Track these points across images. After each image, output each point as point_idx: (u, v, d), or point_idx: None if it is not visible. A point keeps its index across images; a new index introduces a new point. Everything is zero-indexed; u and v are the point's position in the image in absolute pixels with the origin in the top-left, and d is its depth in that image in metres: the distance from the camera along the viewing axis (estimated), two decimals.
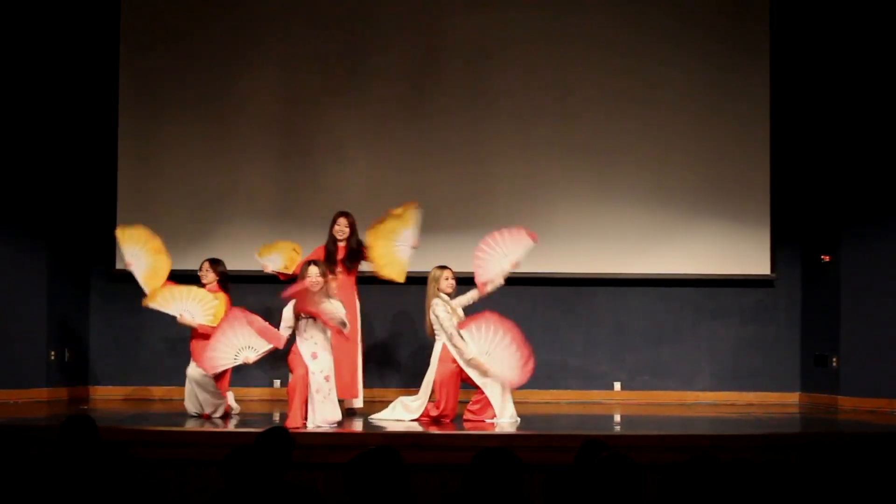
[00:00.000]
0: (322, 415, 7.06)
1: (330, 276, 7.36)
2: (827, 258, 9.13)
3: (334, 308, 7.15)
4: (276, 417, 7.91)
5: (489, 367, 7.40)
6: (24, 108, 8.91)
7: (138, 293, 8.02)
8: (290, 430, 5.35)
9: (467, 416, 7.51)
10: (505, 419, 7.44)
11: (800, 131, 9.42)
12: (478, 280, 7.76)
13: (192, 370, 7.68)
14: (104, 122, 9.50)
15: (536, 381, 9.17)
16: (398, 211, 8.10)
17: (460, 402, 7.64)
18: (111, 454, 4.02)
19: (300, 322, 7.21)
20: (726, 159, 9.42)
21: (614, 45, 9.44)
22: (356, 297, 8.08)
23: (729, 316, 9.51)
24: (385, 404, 7.87)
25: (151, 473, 6.26)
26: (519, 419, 7.49)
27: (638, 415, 8.52)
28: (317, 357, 7.18)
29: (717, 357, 9.48)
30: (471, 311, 7.70)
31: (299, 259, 8.07)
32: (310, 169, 9.48)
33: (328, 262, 7.75)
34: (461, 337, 7.44)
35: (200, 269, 7.97)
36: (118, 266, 9.35)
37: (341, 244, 8.10)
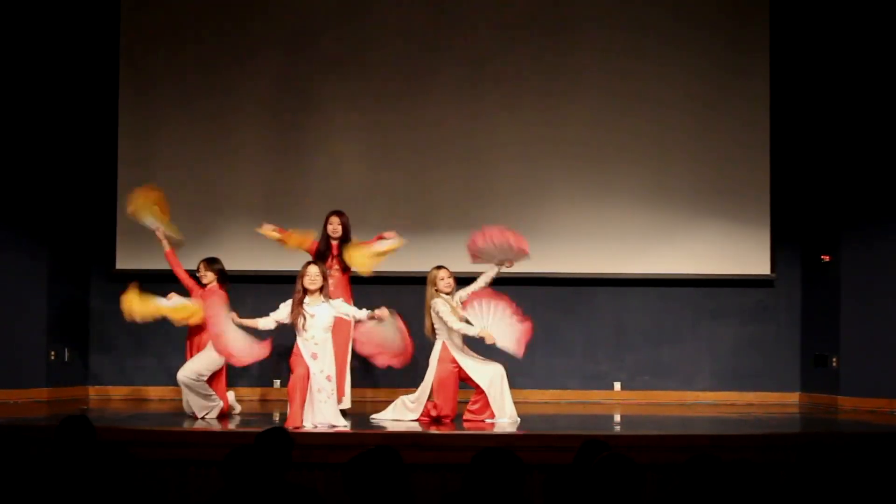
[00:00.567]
0: (323, 415, 7.05)
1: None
2: (827, 258, 9.13)
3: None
4: (276, 417, 7.91)
5: (497, 337, 7.46)
6: (24, 108, 8.91)
7: None
8: (290, 430, 5.35)
9: (467, 416, 7.52)
10: (505, 419, 7.45)
11: (800, 131, 9.42)
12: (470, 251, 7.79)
13: (182, 375, 7.68)
14: (104, 122, 9.50)
15: (536, 381, 9.23)
16: (386, 245, 8.08)
17: (460, 402, 7.65)
18: (111, 454, 4.02)
19: (300, 322, 7.21)
20: (726, 159, 9.42)
21: (614, 45, 9.44)
22: (350, 297, 8.07)
23: (729, 316, 9.50)
24: (384, 404, 7.87)
25: (151, 473, 6.26)
26: (519, 419, 7.49)
27: (638, 415, 8.52)
28: (317, 357, 7.18)
29: (717, 357, 9.48)
30: None
31: (310, 240, 8.11)
32: (310, 169, 9.47)
33: (321, 261, 7.75)
34: (466, 322, 7.51)
35: (198, 271, 7.98)
36: (118, 266, 9.38)
37: (335, 243, 8.10)
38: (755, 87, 9.40)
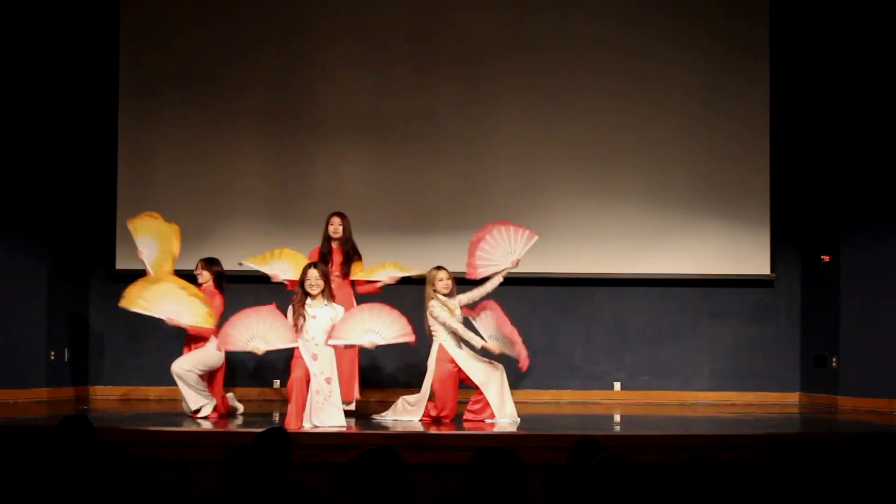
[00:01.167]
0: (321, 417, 7.04)
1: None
2: (827, 258, 9.13)
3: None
4: (276, 417, 7.91)
5: (503, 348, 7.50)
6: (24, 108, 8.91)
7: None
8: (289, 431, 5.35)
9: (467, 416, 7.51)
10: (505, 419, 7.44)
11: (800, 131, 9.42)
12: (477, 273, 7.74)
13: (176, 366, 7.67)
14: (104, 122, 9.50)
15: (536, 381, 9.23)
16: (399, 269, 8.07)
17: (460, 402, 7.64)
18: (110, 454, 4.02)
19: (301, 322, 7.20)
20: (726, 159, 9.42)
21: (615, 45, 9.44)
22: (353, 298, 8.06)
23: (729, 316, 9.50)
24: (386, 405, 7.87)
25: (150, 473, 6.25)
26: (519, 419, 7.49)
27: (638, 415, 8.52)
28: (317, 358, 7.17)
29: (717, 357, 9.48)
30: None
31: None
32: (311, 169, 9.48)
33: (323, 263, 7.73)
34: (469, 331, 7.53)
35: (196, 269, 7.96)
36: (118, 266, 9.37)
37: (336, 245, 8.08)
38: (755, 88, 9.41)
